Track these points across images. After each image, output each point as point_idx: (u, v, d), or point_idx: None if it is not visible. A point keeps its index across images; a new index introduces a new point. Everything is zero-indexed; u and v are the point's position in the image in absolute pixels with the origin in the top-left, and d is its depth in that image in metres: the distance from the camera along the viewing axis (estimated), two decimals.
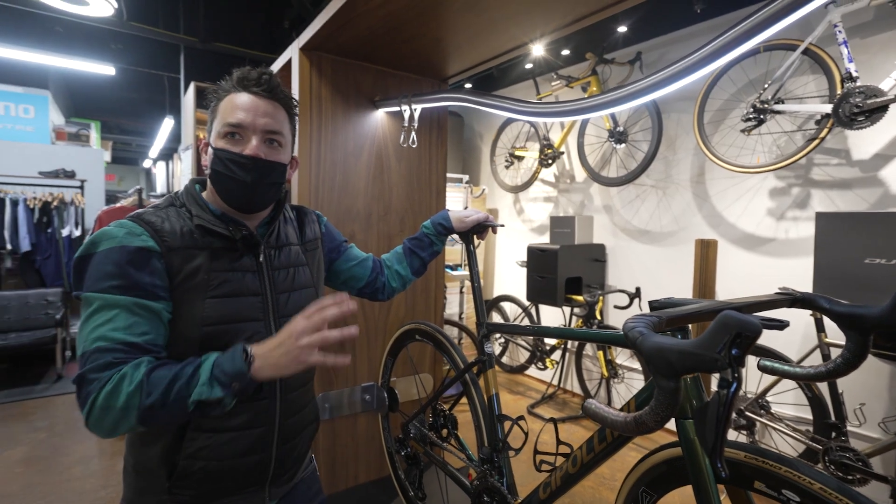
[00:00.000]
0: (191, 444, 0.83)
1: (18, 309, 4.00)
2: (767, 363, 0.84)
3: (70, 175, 4.79)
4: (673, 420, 0.75)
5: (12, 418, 3.12)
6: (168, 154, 9.08)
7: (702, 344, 0.50)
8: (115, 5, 3.71)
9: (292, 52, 1.80)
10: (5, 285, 4.40)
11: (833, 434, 2.05)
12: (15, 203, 4.33)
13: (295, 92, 1.75)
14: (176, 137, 7.60)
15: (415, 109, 1.80)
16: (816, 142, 2.20)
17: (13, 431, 2.93)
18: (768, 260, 2.62)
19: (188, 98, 3.62)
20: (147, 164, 11.85)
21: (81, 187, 4.72)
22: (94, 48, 5.24)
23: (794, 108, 2.34)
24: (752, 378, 2.46)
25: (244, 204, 0.90)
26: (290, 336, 0.75)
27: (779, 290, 0.86)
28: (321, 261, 1.11)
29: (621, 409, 0.78)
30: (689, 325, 0.80)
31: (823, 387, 2.14)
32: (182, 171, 4.03)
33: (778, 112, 2.35)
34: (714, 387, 0.56)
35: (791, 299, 0.80)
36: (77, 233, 4.66)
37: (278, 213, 0.99)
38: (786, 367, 0.82)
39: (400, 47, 1.73)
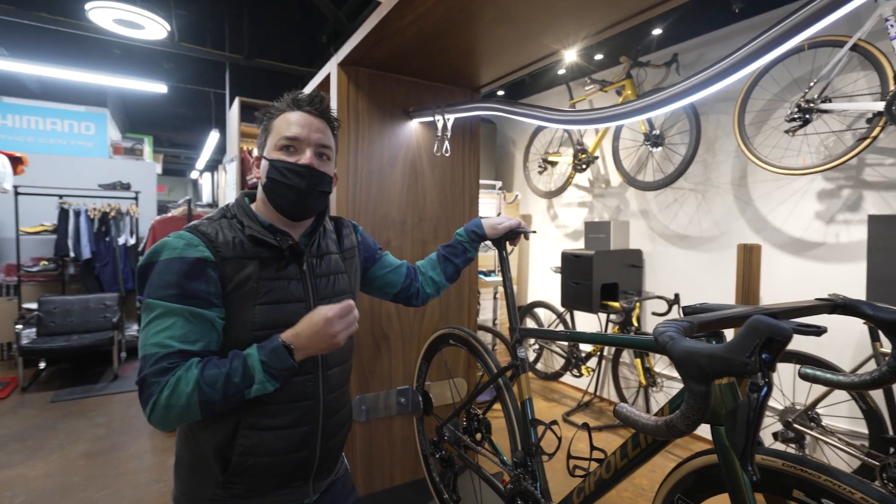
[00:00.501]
0: (243, 441, 0.89)
1: (80, 312, 4.30)
2: (808, 371, 0.82)
3: (126, 187, 5.11)
4: (709, 428, 0.75)
5: (75, 415, 3.35)
6: (213, 166, 9.55)
7: (731, 348, 0.51)
8: (168, 28, 3.96)
9: (331, 68, 1.88)
10: (68, 290, 4.74)
11: (891, 450, 1.93)
12: (77, 214, 4.66)
13: (334, 105, 1.82)
14: (221, 149, 7.99)
15: (448, 119, 1.84)
16: (868, 141, 2.10)
17: (76, 427, 3.14)
18: (817, 265, 2.51)
19: (233, 112, 3.80)
20: (194, 175, 12.47)
21: (136, 198, 5.03)
22: (148, 68, 5.62)
23: (842, 106, 2.24)
24: (801, 389, 2.35)
25: (297, 210, 0.97)
26: (325, 323, 0.86)
27: (828, 296, 0.83)
28: (358, 268, 1.17)
29: (655, 415, 0.79)
30: (725, 331, 0.80)
31: (880, 399, 2.02)
32: (227, 182, 4.22)
33: (825, 111, 2.26)
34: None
35: (831, 305, 0.78)
36: (132, 241, 4.96)
37: (319, 224, 1.06)
38: (828, 375, 0.79)
39: (433, 59, 1.78)
